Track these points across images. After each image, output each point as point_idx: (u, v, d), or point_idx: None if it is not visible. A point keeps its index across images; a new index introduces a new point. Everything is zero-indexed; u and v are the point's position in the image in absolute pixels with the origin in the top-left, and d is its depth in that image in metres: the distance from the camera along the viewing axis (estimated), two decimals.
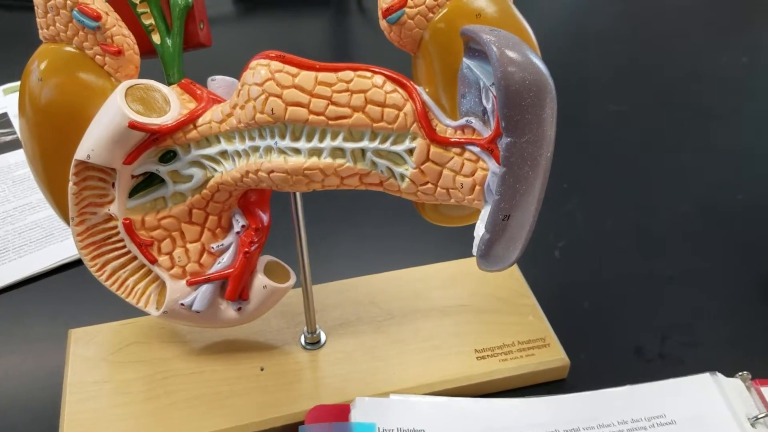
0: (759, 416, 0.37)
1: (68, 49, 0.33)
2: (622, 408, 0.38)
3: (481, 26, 0.27)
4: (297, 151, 0.30)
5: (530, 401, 0.38)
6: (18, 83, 0.71)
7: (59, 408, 0.38)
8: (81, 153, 0.32)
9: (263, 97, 0.29)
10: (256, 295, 0.37)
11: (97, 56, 0.32)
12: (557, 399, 0.39)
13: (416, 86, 0.30)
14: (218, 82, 0.34)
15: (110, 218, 0.35)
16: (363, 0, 0.90)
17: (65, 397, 0.39)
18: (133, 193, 0.34)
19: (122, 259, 0.36)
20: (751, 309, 0.46)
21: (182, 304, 0.36)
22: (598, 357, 0.43)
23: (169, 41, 0.35)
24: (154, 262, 0.35)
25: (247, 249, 0.35)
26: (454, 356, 0.41)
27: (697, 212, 0.55)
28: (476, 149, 0.29)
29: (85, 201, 0.34)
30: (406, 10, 0.30)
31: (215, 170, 0.33)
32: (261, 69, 0.29)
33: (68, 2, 0.31)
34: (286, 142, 0.30)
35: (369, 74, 0.29)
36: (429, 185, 0.31)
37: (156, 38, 0.35)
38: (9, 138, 0.63)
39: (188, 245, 0.35)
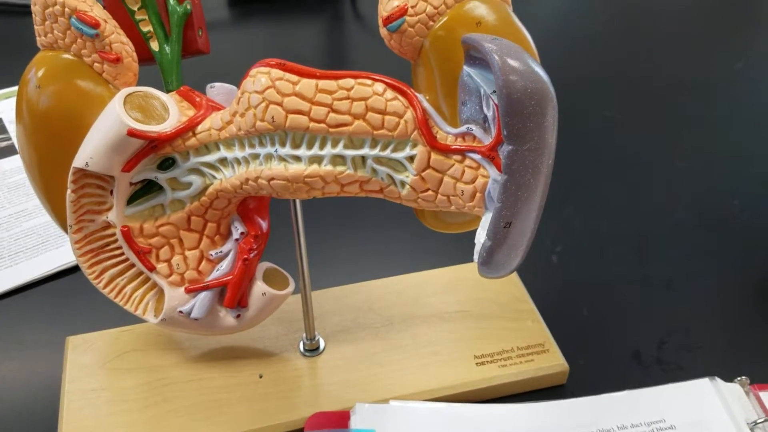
0: (758, 421, 0.37)
1: (66, 56, 0.32)
2: (621, 413, 0.38)
3: (483, 35, 0.27)
4: (297, 158, 0.30)
5: (529, 407, 0.38)
6: (13, 89, 0.71)
7: (57, 416, 0.38)
8: (79, 161, 0.32)
9: (264, 104, 0.29)
10: (255, 303, 0.37)
11: (96, 63, 0.32)
12: (556, 404, 0.39)
13: (417, 94, 0.30)
14: (217, 89, 0.34)
15: (108, 225, 0.34)
16: (359, 6, 0.90)
17: (63, 405, 0.38)
18: (132, 200, 0.34)
19: (120, 267, 0.36)
20: (749, 314, 0.46)
21: (181, 312, 0.36)
22: (597, 362, 0.43)
23: (167, 48, 0.35)
24: (152, 269, 0.35)
25: (246, 256, 0.35)
26: (453, 362, 0.41)
27: (695, 217, 0.55)
28: (477, 156, 0.29)
29: (84, 208, 0.34)
30: (407, 18, 0.30)
31: (214, 177, 0.33)
32: (261, 77, 0.29)
33: (66, 9, 0.31)
34: (287, 150, 0.30)
35: (370, 82, 0.29)
36: (430, 192, 0.30)
37: (154, 45, 0.35)
38: (4, 144, 0.62)
39: (187, 252, 0.35)
